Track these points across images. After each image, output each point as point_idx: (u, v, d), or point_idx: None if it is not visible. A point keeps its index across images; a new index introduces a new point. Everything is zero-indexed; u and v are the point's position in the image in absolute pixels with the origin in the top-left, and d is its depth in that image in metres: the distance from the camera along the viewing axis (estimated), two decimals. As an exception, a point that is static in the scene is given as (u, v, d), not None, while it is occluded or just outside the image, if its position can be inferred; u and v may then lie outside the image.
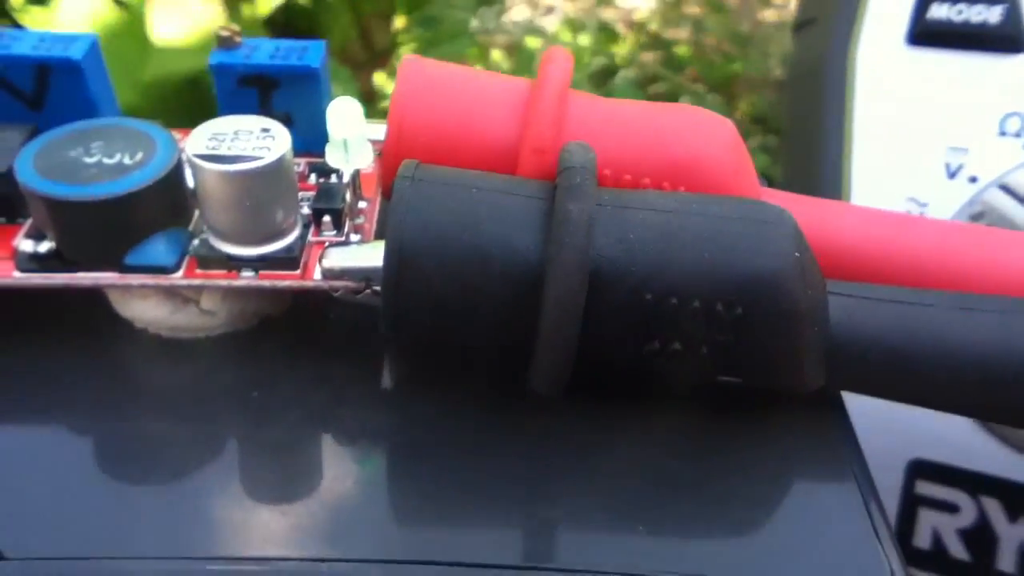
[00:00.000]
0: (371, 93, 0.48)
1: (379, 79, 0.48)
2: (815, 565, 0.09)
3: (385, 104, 0.47)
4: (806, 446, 0.11)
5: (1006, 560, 0.14)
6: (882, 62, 0.17)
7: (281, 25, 0.49)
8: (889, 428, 0.15)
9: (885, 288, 0.11)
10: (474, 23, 0.44)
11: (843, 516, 0.10)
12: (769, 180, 0.14)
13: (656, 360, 0.10)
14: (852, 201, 0.17)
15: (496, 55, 0.46)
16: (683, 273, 0.10)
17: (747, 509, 0.10)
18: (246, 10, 0.46)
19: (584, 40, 0.47)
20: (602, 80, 0.46)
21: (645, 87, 0.47)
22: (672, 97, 0.46)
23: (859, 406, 0.15)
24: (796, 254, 0.10)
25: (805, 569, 0.09)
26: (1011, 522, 0.14)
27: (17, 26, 0.42)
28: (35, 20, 0.42)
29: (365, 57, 0.51)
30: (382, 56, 0.50)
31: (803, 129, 0.19)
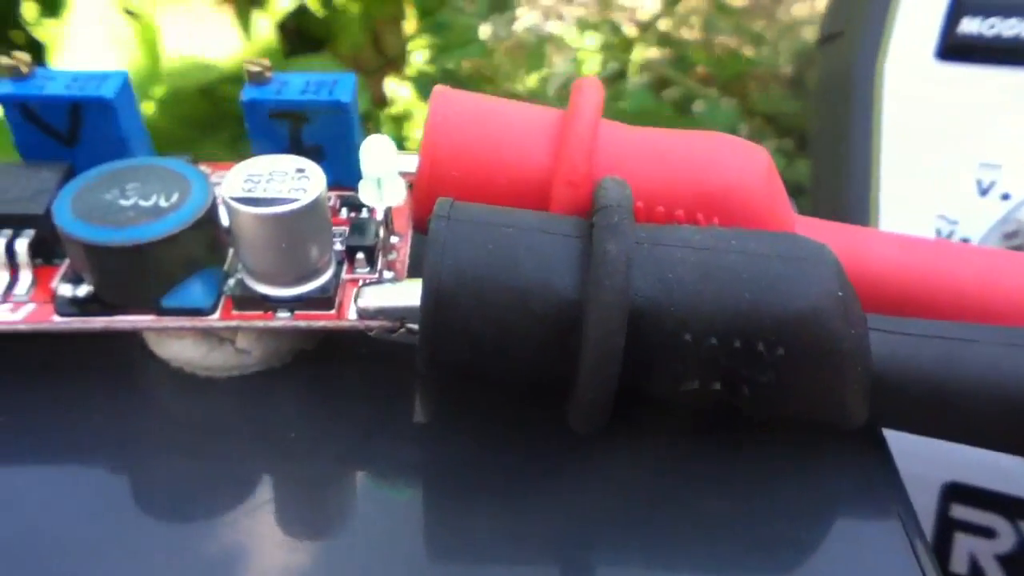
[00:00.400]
0: (382, 98, 0.48)
1: (389, 84, 0.48)
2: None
3: (395, 109, 0.47)
4: (849, 486, 0.11)
5: (1047, 588, 0.14)
6: (911, 77, 0.17)
7: (293, 31, 0.50)
8: (922, 450, 0.15)
9: (928, 323, 0.11)
10: (485, 30, 0.44)
11: (889, 558, 0.10)
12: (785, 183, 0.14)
13: (695, 398, 0.10)
14: (881, 219, 0.17)
15: (502, 56, 0.46)
16: (723, 313, 0.10)
17: (791, 552, 0.10)
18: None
19: (593, 41, 0.47)
20: (613, 84, 0.46)
21: (658, 91, 0.46)
22: (686, 101, 0.45)
23: (892, 431, 0.15)
24: (839, 293, 0.10)
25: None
26: (1052, 549, 0.14)
27: (32, 39, 0.43)
28: (49, 33, 0.43)
29: (377, 63, 0.51)
30: (393, 61, 0.50)
31: (831, 144, 0.19)
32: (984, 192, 0.16)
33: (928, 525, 0.15)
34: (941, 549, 0.15)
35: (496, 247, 0.10)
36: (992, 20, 0.16)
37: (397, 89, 0.48)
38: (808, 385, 0.10)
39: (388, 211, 0.12)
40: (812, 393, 0.10)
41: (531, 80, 0.46)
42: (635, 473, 0.11)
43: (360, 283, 0.11)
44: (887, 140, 0.17)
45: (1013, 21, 0.16)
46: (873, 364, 0.10)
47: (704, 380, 0.10)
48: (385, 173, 0.11)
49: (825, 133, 0.19)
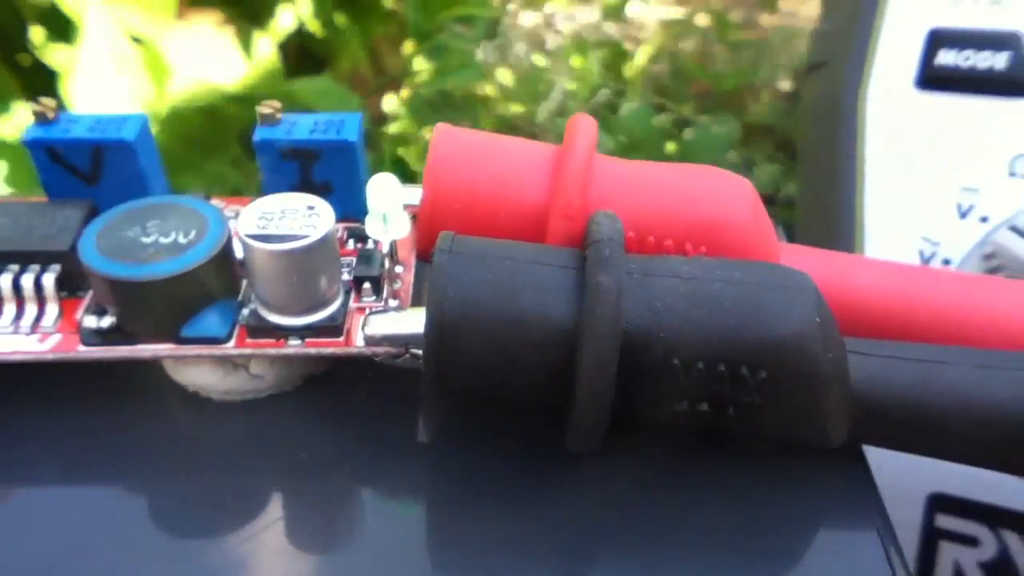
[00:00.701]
0: (381, 117, 0.49)
1: (388, 103, 0.49)
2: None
3: (394, 128, 0.48)
4: (832, 499, 0.11)
5: (1028, 594, 0.15)
6: (893, 105, 0.18)
7: (294, 50, 0.51)
8: (908, 463, 0.15)
9: (904, 345, 0.11)
10: (480, 54, 0.45)
11: (866, 566, 0.10)
12: (773, 198, 0.15)
13: (685, 419, 0.11)
14: (867, 240, 0.18)
15: (500, 77, 0.47)
16: (709, 339, 0.10)
17: (778, 559, 0.10)
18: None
19: (590, 63, 0.48)
20: (611, 107, 0.46)
21: (656, 114, 0.47)
22: (681, 125, 0.46)
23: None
24: (817, 319, 0.11)
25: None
26: (1032, 555, 0.15)
27: (39, 63, 0.44)
28: (55, 58, 0.44)
29: (376, 83, 0.52)
30: (393, 82, 0.51)
31: (819, 168, 0.20)
32: (964, 215, 0.17)
33: (915, 535, 0.15)
34: (927, 558, 0.15)
35: (496, 278, 0.11)
36: (967, 52, 0.17)
37: (397, 108, 0.49)
38: (790, 406, 0.11)
39: (393, 243, 0.13)
40: (794, 413, 0.11)
41: (526, 104, 0.47)
42: (632, 487, 0.11)
43: (367, 311, 0.12)
44: (871, 165, 0.18)
45: (986, 53, 0.17)
46: (851, 386, 0.11)
47: (692, 402, 0.11)
48: (390, 209, 0.12)
49: (813, 157, 0.20)
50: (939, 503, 0.15)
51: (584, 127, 0.13)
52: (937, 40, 0.17)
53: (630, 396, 0.11)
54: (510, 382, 0.11)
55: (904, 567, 0.10)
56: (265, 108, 0.13)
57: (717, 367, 0.11)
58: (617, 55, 0.49)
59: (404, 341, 0.11)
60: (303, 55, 0.51)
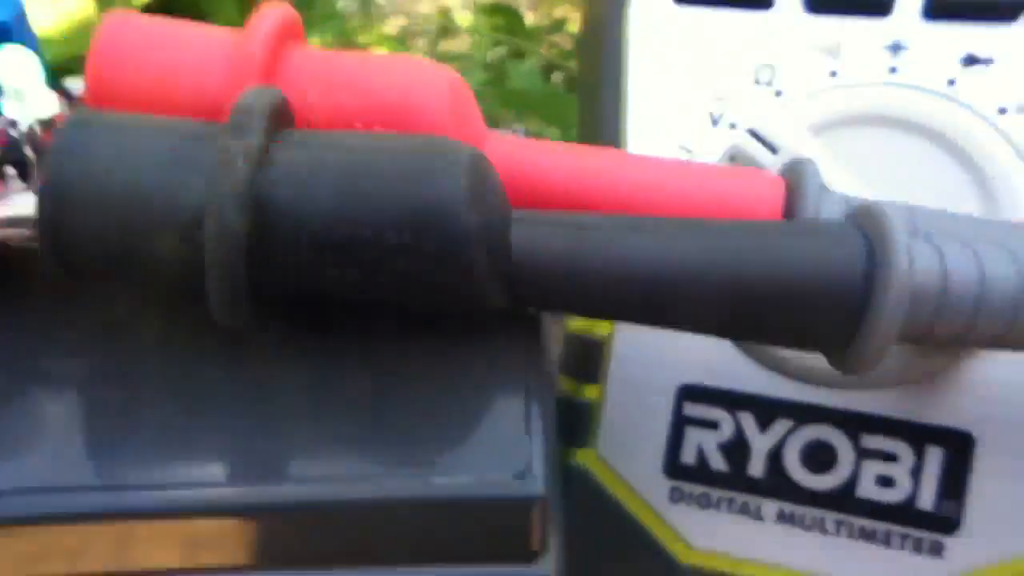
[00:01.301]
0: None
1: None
2: (476, 458, 0.10)
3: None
4: (497, 357, 0.11)
5: (756, 467, 0.16)
6: (653, 21, 0.18)
7: (162, 11, 0.47)
8: (660, 358, 0.16)
9: (567, 215, 0.11)
10: (340, 3, 0.44)
11: (508, 418, 0.11)
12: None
13: (338, 288, 0.11)
14: (629, 148, 0.18)
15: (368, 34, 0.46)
16: (353, 205, 0.10)
17: (442, 414, 0.11)
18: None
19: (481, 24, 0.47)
20: (502, 67, 0.46)
21: (547, 73, 0.47)
22: (569, 84, 0.46)
23: (633, 341, 0.16)
24: (463, 182, 0.10)
25: (469, 460, 0.10)
26: (761, 432, 0.16)
27: None
28: None
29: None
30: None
31: (588, 83, 0.20)
32: (716, 122, 0.17)
33: (665, 424, 0.16)
34: (675, 443, 0.16)
35: (123, 151, 0.10)
36: None
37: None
38: (438, 269, 0.10)
39: (37, 124, 0.12)
40: (443, 277, 0.10)
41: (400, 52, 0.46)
42: (311, 360, 0.11)
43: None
44: (634, 78, 0.18)
45: (732, -31, 0.17)
46: (509, 251, 0.11)
47: (341, 269, 0.10)
48: (26, 84, 0.11)
49: (585, 75, 0.20)
50: (687, 393, 0.16)
51: (269, 14, 0.12)
52: (688, -45, 0.18)
53: (274, 266, 0.10)
54: (143, 258, 0.10)
55: (542, 426, 0.10)
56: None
57: (362, 232, 0.10)
58: (513, 19, 0.49)
59: (34, 223, 0.10)
60: (171, 16, 0.48)
